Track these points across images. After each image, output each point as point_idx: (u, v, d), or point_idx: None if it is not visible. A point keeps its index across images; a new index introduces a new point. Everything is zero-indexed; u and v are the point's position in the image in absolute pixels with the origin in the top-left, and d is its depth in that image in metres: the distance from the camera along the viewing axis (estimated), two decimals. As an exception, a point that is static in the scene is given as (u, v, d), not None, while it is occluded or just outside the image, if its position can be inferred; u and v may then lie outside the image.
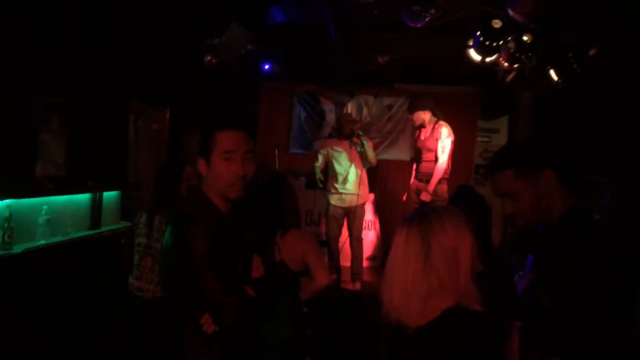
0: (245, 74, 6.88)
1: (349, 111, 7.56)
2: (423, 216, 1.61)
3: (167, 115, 5.73)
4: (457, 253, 1.56)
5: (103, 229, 4.60)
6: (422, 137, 5.75)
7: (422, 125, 5.70)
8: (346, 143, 5.73)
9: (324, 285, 2.73)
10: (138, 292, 3.16)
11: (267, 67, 6.70)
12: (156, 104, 5.62)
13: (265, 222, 2.68)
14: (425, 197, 5.53)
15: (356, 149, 5.69)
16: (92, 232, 4.47)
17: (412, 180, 5.99)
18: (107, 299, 4.19)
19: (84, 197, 4.45)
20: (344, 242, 6.08)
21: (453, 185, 6.37)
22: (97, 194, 4.55)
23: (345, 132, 5.72)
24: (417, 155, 5.94)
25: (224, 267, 1.76)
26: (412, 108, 5.76)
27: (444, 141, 5.53)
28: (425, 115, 5.67)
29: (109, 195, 4.79)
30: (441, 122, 5.66)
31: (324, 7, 4.50)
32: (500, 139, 8.08)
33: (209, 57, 5.60)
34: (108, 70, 4.67)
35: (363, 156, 5.69)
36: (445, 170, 5.62)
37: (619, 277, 1.55)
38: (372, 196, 6.62)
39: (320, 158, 5.92)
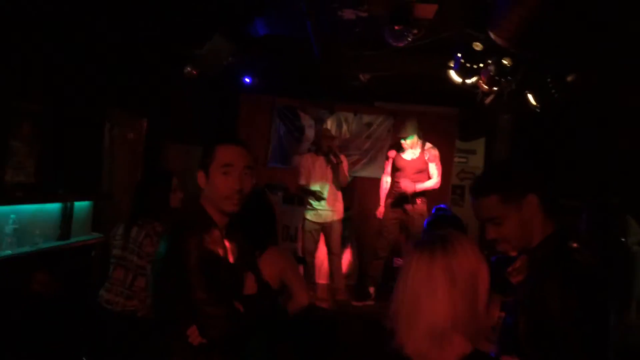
0: (225, 86, 6.83)
1: (329, 127, 7.56)
2: (443, 241, 1.41)
3: (145, 125, 5.63)
4: (477, 283, 1.38)
5: (73, 239, 4.48)
6: (407, 158, 5.72)
7: (409, 146, 5.68)
8: (322, 159, 5.70)
9: (304, 305, 2.66)
10: (107, 305, 3.05)
11: (247, 80, 6.66)
12: (134, 113, 5.54)
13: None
14: (410, 187, 5.57)
15: (331, 166, 5.67)
16: (61, 242, 4.34)
17: (383, 199, 5.96)
18: (75, 312, 4.06)
19: (54, 207, 4.33)
20: (322, 260, 6.04)
21: (430, 206, 6.42)
22: (68, 203, 4.43)
23: (322, 148, 5.70)
24: (394, 175, 5.84)
25: (216, 280, 1.76)
26: (408, 132, 5.66)
27: (437, 164, 5.70)
28: (416, 138, 5.70)
29: (81, 205, 4.67)
30: (429, 144, 5.76)
31: (307, 21, 4.48)
32: (477, 160, 8.15)
33: (189, 68, 5.53)
34: (86, 78, 4.59)
35: (335, 175, 5.67)
36: (432, 188, 5.72)
37: (592, 306, 1.54)
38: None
39: (303, 173, 5.80)
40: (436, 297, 1.34)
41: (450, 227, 2.67)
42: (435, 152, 5.70)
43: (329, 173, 5.70)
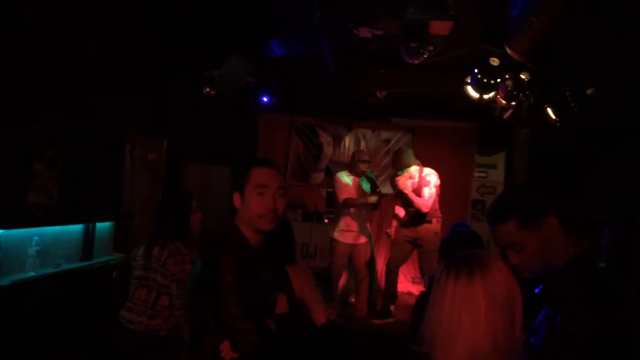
0: (243, 106, 6.90)
1: (347, 145, 7.59)
2: (480, 262, 1.38)
3: (165, 145, 5.71)
4: (514, 305, 1.36)
5: (95, 260, 4.53)
6: (412, 186, 5.64)
7: (406, 178, 5.60)
8: (357, 180, 5.59)
9: (321, 323, 2.65)
10: (129, 325, 3.07)
11: (265, 99, 6.72)
12: (154, 134, 5.61)
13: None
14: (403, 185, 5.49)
15: (365, 189, 5.56)
16: (83, 263, 4.39)
17: (396, 226, 5.89)
18: (97, 332, 4.09)
19: (76, 228, 4.40)
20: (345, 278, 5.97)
21: (449, 222, 6.34)
22: (90, 224, 4.50)
23: (357, 171, 5.56)
24: (404, 204, 5.69)
25: (249, 297, 1.82)
26: (403, 165, 5.62)
27: (432, 189, 5.47)
28: (416, 165, 5.64)
29: (102, 226, 4.73)
30: (428, 171, 5.58)
31: (323, 41, 4.51)
32: (497, 175, 8.08)
33: (207, 89, 5.60)
34: (106, 101, 4.68)
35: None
36: (436, 210, 5.56)
37: (614, 329, 1.50)
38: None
39: (341, 187, 5.57)
40: (478, 319, 1.32)
41: (470, 243, 2.64)
42: (430, 178, 5.49)
43: (363, 194, 5.58)
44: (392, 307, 5.70)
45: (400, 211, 5.71)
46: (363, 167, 5.56)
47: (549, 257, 1.62)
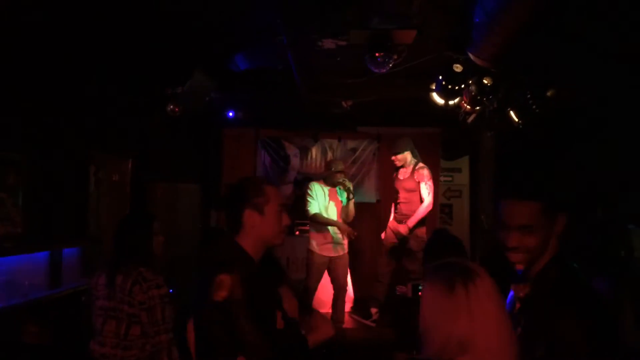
0: (208, 121, 6.84)
1: (314, 155, 7.60)
2: (477, 271, 1.41)
3: (130, 165, 5.58)
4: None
5: (63, 288, 4.38)
6: (401, 177, 5.76)
7: (403, 166, 5.73)
8: (334, 191, 5.53)
9: (330, 336, 2.61)
10: (103, 359, 2.95)
11: (231, 114, 6.67)
12: (118, 154, 5.49)
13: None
14: (403, 229, 5.56)
15: (340, 199, 5.52)
16: (51, 292, 4.24)
17: (391, 220, 5.97)
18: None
19: (42, 255, 4.25)
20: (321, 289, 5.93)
21: (428, 227, 6.41)
22: (57, 251, 4.35)
23: (334, 181, 5.48)
24: (394, 195, 5.91)
25: (258, 313, 1.87)
26: (397, 149, 5.73)
27: (428, 183, 5.59)
28: (408, 156, 5.72)
29: (69, 252, 4.58)
30: (421, 164, 5.72)
31: (288, 54, 4.52)
32: (462, 178, 8.25)
33: (171, 106, 5.53)
34: (67, 122, 4.56)
35: (344, 209, 5.53)
36: (426, 212, 5.65)
37: (605, 327, 1.53)
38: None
39: (311, 200, 5.45)
40: (491, 327, 1.36)
41: (450, 249, 2.67)
42: (423, 172, 5.64)
43: (339, 206, 5.53)
44: (373, 310, 5.70)
45: (400, 228, 5.70)
46: (340, 176, 5.52)
47: (542, 251, 1.63)
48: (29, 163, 4.10)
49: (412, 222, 5.56)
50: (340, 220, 5.49)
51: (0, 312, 3.53)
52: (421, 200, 5.60)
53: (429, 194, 5.58)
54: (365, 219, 7.65)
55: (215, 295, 1.81)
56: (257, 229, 1.97)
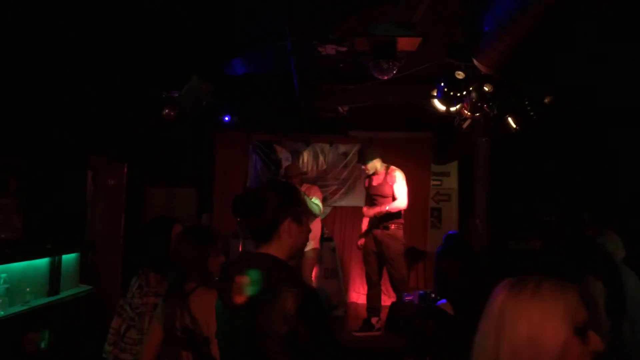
0: (204, 125, 6.80)
1: (305, 159, 7.62)
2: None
3: (125, 170, 5.53)
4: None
5: (62, 294, 4.33)
6: (375, 184, 5.77)
7: (375, 173, 5.77)
8: None
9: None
10: (104, 355, 2.88)
11: (227, 119, 6.64)
12: (114, 158, 5.44)
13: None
14: (377, 211, 5.58)
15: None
16: (51, 298, 4.19)
17: (364, 227, 5.97)
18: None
19: (42, 262, 4.19)
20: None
21: (409, 234, 6.47)
22: (56, 257, 4.29)
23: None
24: (369, 202, 5.89)
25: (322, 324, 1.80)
26: (365, 158, 5.77)
27: (400, 184, 5.59)
28: (377, 163, 5.73)
29: (68, 258, 4.53)
30: (393, 167, 5.72)
31: (291, 59, 4.53)
32: (451, 182, 8.33)
33: (167, 110, 5.49)
34: (65, 127, 4.50)
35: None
36: (399, 210, 5.63)
37: None
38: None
39: None
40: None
41: (466, 253, 2.70)
42: (396, 174, 5.63)
43: None
44: (374, 320, 5.71)
45: (368, 211, 5.77)
46: (296, 181, 5.64)
47: None
48: (29, 169, 4.04)
49: (381, 210, 5.55)
50: None
51: (3, 320, 3.48)
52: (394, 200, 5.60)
53: (402, 193, 5.57)
54: (357, 223, 7.68)
55: (289, 310, 1.66)
56: (294, 239, 1.84)
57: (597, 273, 3.43)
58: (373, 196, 5.80)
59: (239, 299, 1.71)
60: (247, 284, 1.71)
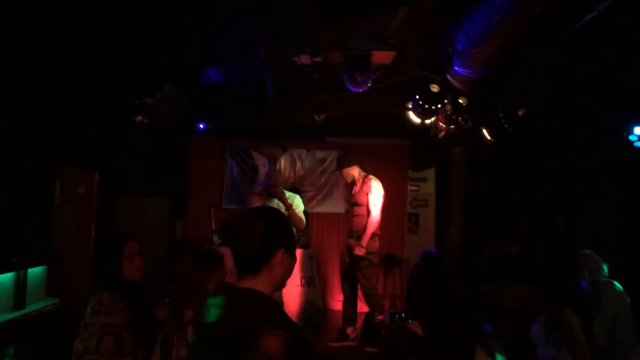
0: (178, 132, 6.70)
1: (282, 165, 7.56)
2: None
3: (96, 178, 5.40)
4: None
5: (28, 309, 4.20)
6: (353, 192, 5.71)
7: (353, 182, 5.71)
8: (275, 201, 5.42)
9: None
10: None
11: (201, 126, 6.55)
12: (84, 166, 5.31)
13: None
14: (359, 251, 5.38)
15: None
16: (16, 314, 4.06)
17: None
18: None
19: (6, 276, 4.06)
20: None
21: (386, 240, 6.45)
22: (22, 271, 4.17)
23: (272, 193, 5.42)
24: (350, 210, 5.85)
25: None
26: (340, 165, 5.72)
27: (374, 194, 5.44)
28: (354, 171, 5.63)
29: (34, 271, 4.40)
30: (370, 177, 5.60)
31: (265, 70, 4.47)
32: (428, 187, 8.35)
33: (139, 117, 5.38)
34: (30, 136, 4.37)
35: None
36: (377, 225, 5.49)
37: None
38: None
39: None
40: None
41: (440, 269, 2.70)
42: (372, 183, 5.50)
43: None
44: (349, 330, 5.66)
45: (358, 251, 5.50)
46: (280, 189, 5.40)
47: None
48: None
49: (365, 241, 5.38)
50: None
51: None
52: (368, 213, 5.45)
53: (374, 205, 5.41)
54: (333, 230, 7.69)
55: (274, 354, 1.53)
56: (284, 271, 1.73)
57: (572, 304, 3.40)
58: (352, 204, 5.75)
59: (218, 337, 1.61)
60: (228, 321, 1.61)
